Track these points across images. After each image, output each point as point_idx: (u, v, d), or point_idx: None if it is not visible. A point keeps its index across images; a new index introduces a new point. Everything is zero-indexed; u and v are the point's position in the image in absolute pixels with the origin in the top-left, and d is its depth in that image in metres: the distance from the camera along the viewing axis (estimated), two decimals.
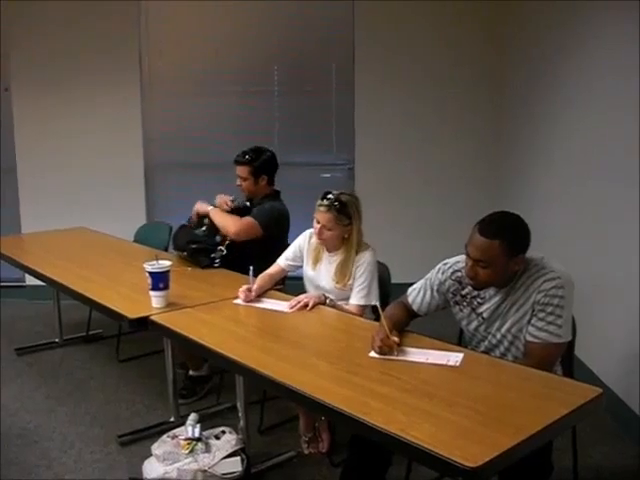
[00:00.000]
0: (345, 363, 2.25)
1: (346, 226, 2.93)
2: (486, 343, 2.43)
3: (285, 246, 3.26)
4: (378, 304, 2.54)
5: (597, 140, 3.55)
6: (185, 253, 3.65)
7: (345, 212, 2.91)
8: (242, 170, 3.69)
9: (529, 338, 2.25)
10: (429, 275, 2.55)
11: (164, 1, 5.55)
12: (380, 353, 2.26)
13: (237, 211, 3.71)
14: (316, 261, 3.08)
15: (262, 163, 3.69)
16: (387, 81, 5.40)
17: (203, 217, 3.77)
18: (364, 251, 2.95)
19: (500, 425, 1.77)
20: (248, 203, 3.76)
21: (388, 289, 3.09)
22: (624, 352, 3.21)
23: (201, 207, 3.79)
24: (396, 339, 2.29)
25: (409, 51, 5.36)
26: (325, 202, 2.91)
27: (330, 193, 2.93)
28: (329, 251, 3.03)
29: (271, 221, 3.60)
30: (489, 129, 5.40)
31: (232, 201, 3.75)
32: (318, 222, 2.94)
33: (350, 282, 2.93)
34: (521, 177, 4.88)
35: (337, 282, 2.96)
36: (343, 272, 2.94)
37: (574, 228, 3.85)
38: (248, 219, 3.60)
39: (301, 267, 3.17)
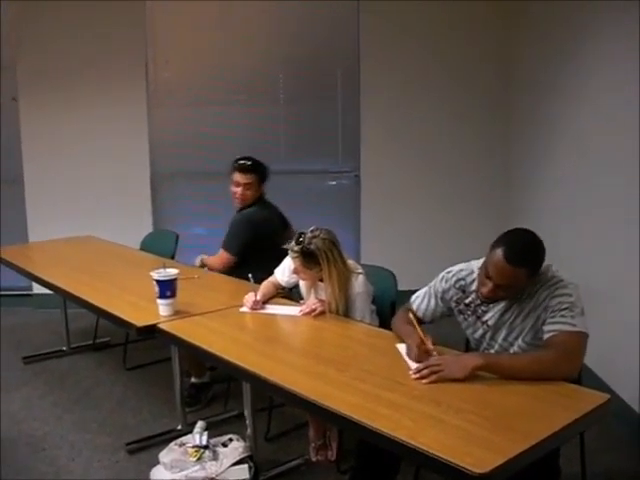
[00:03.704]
0: (352, 370, 2.25)
1: (317, 272, 2.85)
2: (493, 352, 2.42)
3: (279, 248, 3.04)
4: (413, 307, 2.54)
5: (613, 141, 3.51)
6: None
7: (313, 260, 2.81)
8: (247, 177, 3.65)
9: (545, 336, 2.21)
10: (432, 283, 2.55)
11: (169, 11, 5.57)
12: (418, 361, 2.21)
13: None
14: (310, 287, 3.02)
15: (265, 171, 3.70)
16: (393, 87, 5.41)
17: None
18: (352, 281, 2.85)
19: (508, 431, 1.77)
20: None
21: (394, 296, 3.06)
22: (632, 358, 3.20)
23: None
24: (431, 345, 2.26)
25: (416, 55, 5.36)
26: (295, 248, 2.82)
27: (302, 236, 2.82)
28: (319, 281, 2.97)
29: (240, 243, 3.62)
30: (499, 136, 5.39)
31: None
32: None
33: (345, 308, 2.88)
34: (531, 189, 4.84)
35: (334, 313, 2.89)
36: (335, 307, 2.86)
37: (585, 234, 3.84)
38: (221, 254, 3.69)
39: (297, 282, 3.11)
